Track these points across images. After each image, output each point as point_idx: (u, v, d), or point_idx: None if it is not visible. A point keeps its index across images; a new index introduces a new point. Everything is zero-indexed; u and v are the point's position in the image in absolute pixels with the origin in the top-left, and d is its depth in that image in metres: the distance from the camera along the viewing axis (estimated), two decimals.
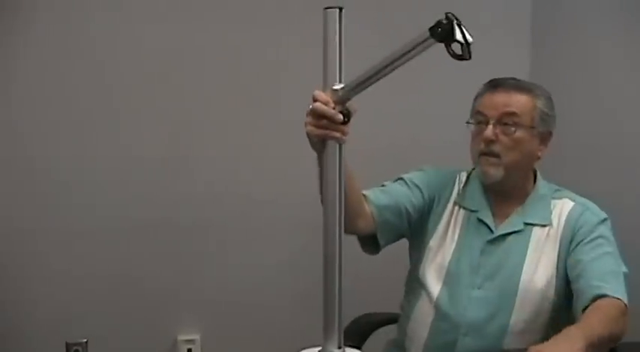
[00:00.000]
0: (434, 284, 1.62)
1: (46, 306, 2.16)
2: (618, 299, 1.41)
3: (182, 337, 2.27)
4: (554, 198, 1.62)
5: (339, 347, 1.25)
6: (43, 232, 2.15)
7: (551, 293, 1.53)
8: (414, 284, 1.66)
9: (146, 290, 2.22)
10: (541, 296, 1.53)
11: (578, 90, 2.30)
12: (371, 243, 1.63)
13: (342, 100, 1.23)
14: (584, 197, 1.66)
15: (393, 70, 1.14)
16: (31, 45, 2.09)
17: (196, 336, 2.28)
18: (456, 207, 1.65)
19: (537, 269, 1.54)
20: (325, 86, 1.21)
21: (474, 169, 1.65)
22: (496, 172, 1.55)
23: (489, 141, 1.54)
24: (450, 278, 1.59)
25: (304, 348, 1.26)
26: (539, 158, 1.61)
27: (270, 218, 2.30)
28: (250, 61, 2.25)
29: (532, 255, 1.56)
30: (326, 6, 1.21)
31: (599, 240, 1.53)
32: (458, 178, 1.69)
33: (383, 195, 1.62)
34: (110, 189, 2.19)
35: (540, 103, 1.57)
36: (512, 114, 1.53)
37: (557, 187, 1.66)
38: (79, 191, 2.17)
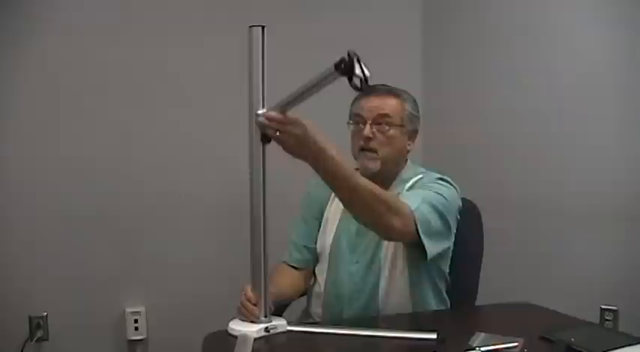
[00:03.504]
0: (321, 267, 1.77)
1: (10, 286, 2.24)
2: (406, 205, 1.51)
3: (129, 309, 2.41)
4: (412, 178, 1.71)
5: (265, 316, 1.42)
6: (5, 221, 2.26)
7: (403, 249, 1.65)
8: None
9: (98, 269, 2.34)
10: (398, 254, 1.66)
11: (461, 101, 2.56)
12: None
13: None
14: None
15: (304, 99, 1.26)
16: None
17: (142, 308, 2.42)
18: (336, 199, 1.68)
19: None
20: (251, 108, 1.34)
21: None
22: (374, 165, 1.67)
23: (367, 139, 1.66)
24: (333, 259, 1.72)
25: (235, 318, 1.45)
26: (408, 151, 1.74)
27: (205, 206, 2.44)
28: (183, 72, 2.39)
29: None
30: (251, 24, 1.32)
31: (423, 187, 1.63)
32: None
33: (296, 252, 1.79)
34: (63, 184, 2.30)
35: (408, 106, 1.70)
36: (386, 115, 1.66)
37: (423, 170, 1.74)
38: (38, 185, 2.28)
